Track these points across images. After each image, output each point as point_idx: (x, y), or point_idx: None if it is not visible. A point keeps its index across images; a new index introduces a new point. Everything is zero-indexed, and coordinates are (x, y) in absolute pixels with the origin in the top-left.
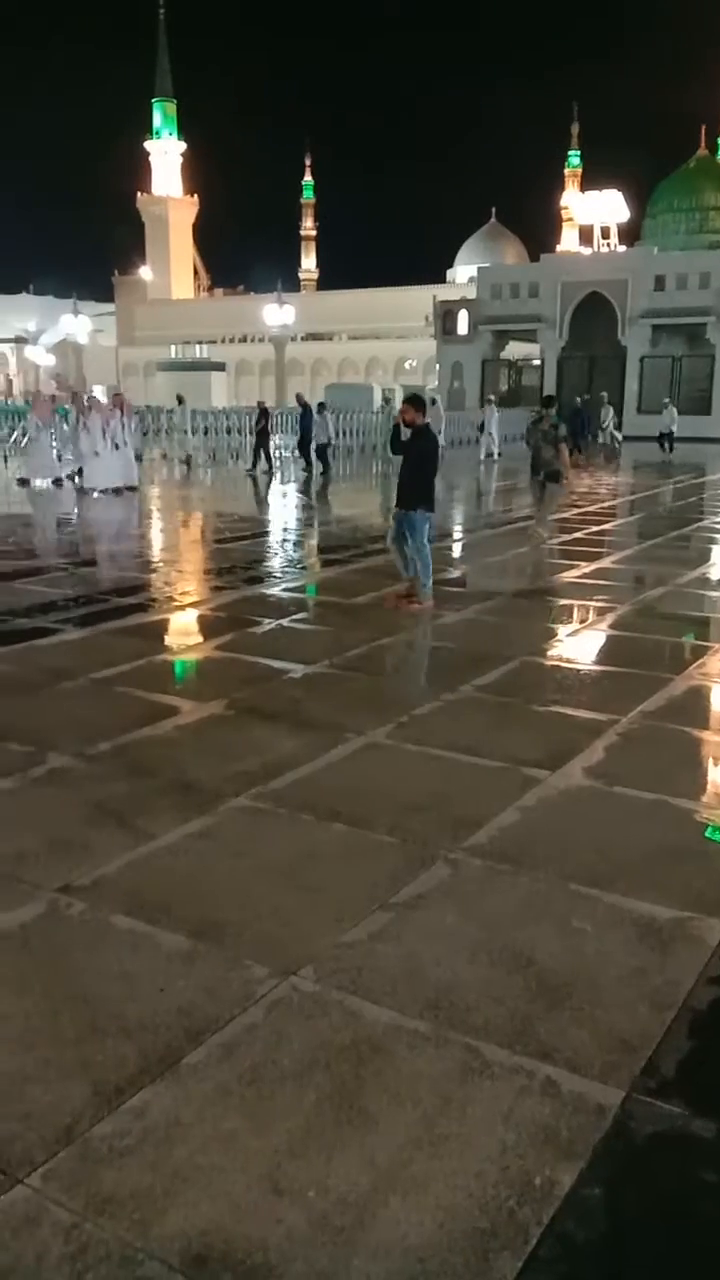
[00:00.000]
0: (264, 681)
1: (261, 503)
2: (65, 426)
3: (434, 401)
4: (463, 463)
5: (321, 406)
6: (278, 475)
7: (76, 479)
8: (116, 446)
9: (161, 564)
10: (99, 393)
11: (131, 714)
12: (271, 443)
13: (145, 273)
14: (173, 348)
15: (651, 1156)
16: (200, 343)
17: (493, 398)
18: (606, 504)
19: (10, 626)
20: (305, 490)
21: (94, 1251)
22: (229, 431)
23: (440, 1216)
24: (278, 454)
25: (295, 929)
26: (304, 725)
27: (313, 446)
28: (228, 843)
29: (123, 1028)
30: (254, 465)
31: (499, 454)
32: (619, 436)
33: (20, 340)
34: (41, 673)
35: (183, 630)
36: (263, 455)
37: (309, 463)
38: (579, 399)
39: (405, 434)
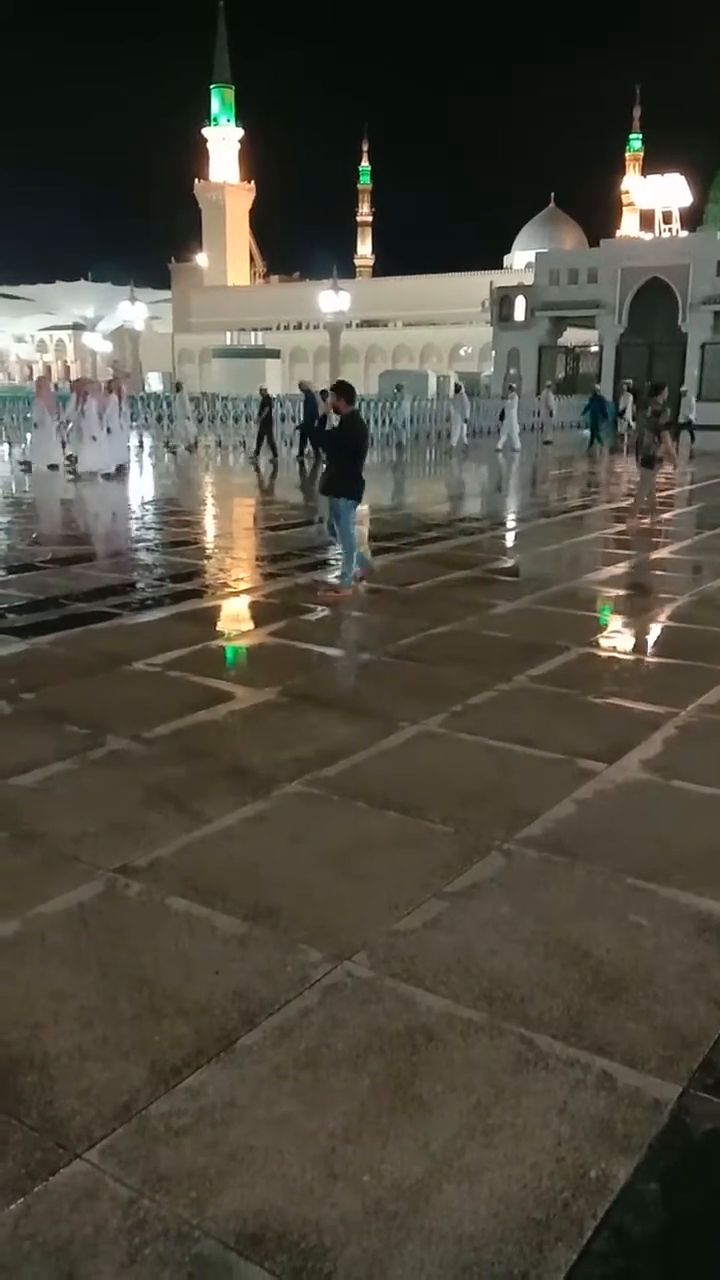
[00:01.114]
0: (317, 668)
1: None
2: (62, 413)
3: (458, 389)
4: (476, 454)
5: (325, 394)
6: (282, 463)
7: (69, 463)
8: (110, 430)
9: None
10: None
11: (188, 699)
12: (278, 430)
13: (201, 259)
14: (228, 334)
15: (709, 1152)
16: (256, 329)
17: (550, 384)
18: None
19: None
20: (302, 478)
21: (151, 1227)
22: (235, 420)
23: (494, 1206)
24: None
25: (349, 915)
26: (358, 713)
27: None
28: (282, 828)
29: (179, 1008)
30: (258, 453)
31: (519, 447)
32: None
33: (78, 327)
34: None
35: (234, 617)
36: (267, 443)
37: (302, 450)
38: (596, 386)
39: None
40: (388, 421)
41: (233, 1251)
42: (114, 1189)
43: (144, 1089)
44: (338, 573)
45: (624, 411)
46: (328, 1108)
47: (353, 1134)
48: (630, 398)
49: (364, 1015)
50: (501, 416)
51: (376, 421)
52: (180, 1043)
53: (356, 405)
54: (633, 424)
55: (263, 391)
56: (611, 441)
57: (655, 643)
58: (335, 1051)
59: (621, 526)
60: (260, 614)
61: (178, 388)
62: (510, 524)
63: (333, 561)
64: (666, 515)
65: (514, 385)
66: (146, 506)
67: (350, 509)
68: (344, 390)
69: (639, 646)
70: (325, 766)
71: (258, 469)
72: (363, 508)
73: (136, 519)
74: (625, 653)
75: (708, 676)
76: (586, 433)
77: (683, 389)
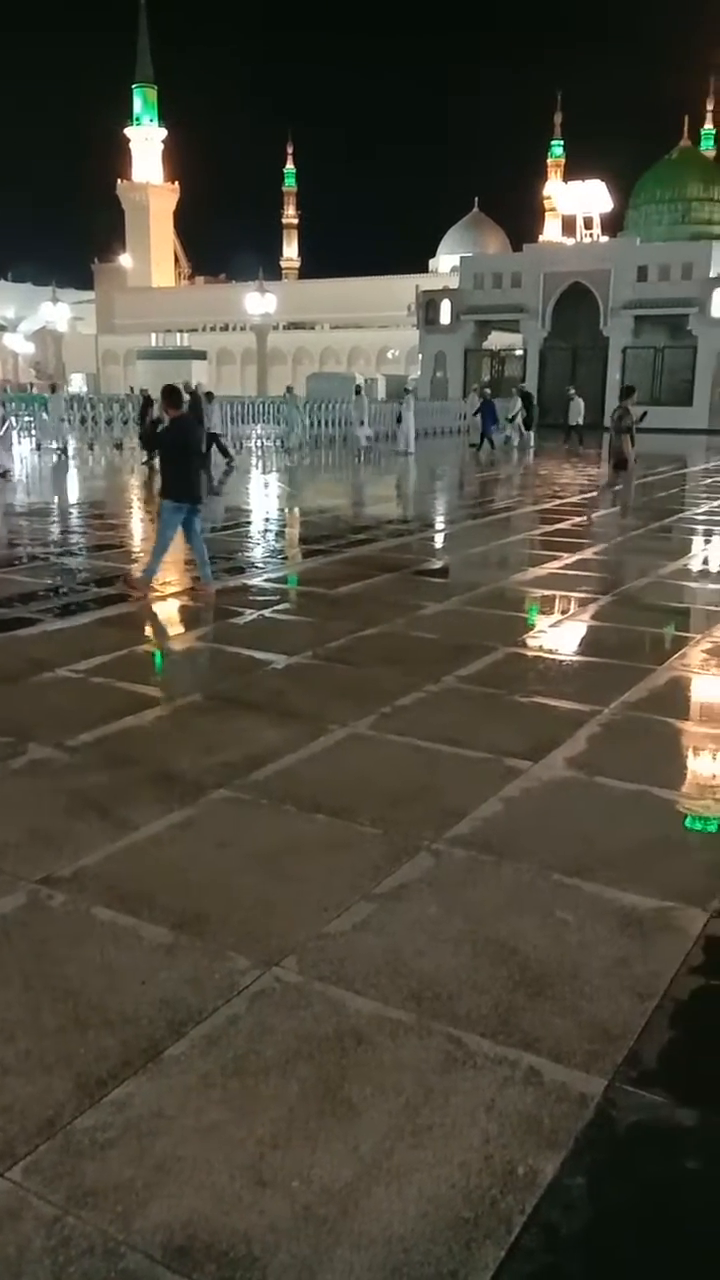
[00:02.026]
0: (245, 672)
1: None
2: None
3: (358, 390)
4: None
5: (210, 395)
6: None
7: None
8: None
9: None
10: (78, 381)
11: (113, 705)
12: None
13: (125, 260)
14: (153, 336)
15: (634, 1145)
16: (181, 331)
17: (477, 386)
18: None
19: None
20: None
21: (76, 1245)
22: (109, 422)
23: (423, 1206)
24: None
25: (278, 920)
26: (286, 716)
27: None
28: (210, 834)
29: (105, 1020)
30: (151, 457)
31: (413, 450)
32: (525, 431)
33: None
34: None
35: (161, 621)
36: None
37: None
38: (486, 390)
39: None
40: (325, 424)
41: (160, 1265)
42: (38, 1207)
43: (69, 1103)
44: (199, 574)
45: (514, 416)
46: (256, 1115)
47: (281, 1140)
48: (519, 401)
49: (293, 1020)
50: (399, 420)
51: (316, 424)
52: (106, 1055)
53: (183, 409)
54: (524, 429)
55: (143, 393)
56: (516, 443)
57: (580, 642)
58: (264, 1058)
59: (550, 527)
60: (188, 618)
61: (52, 389)
62: (439, 525)
63: (259, 565)
64: (596, 515)
65: (409, 389)
66: (44, 509)
67: (176, 511)
68: (170, 395)
69: (564, 646)
70: (253, 771)
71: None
72: (293, 510)
73: (34, 521)
74: (551, 652)
75: (630, 674)
76: (509, 433)
77: (569, 392)
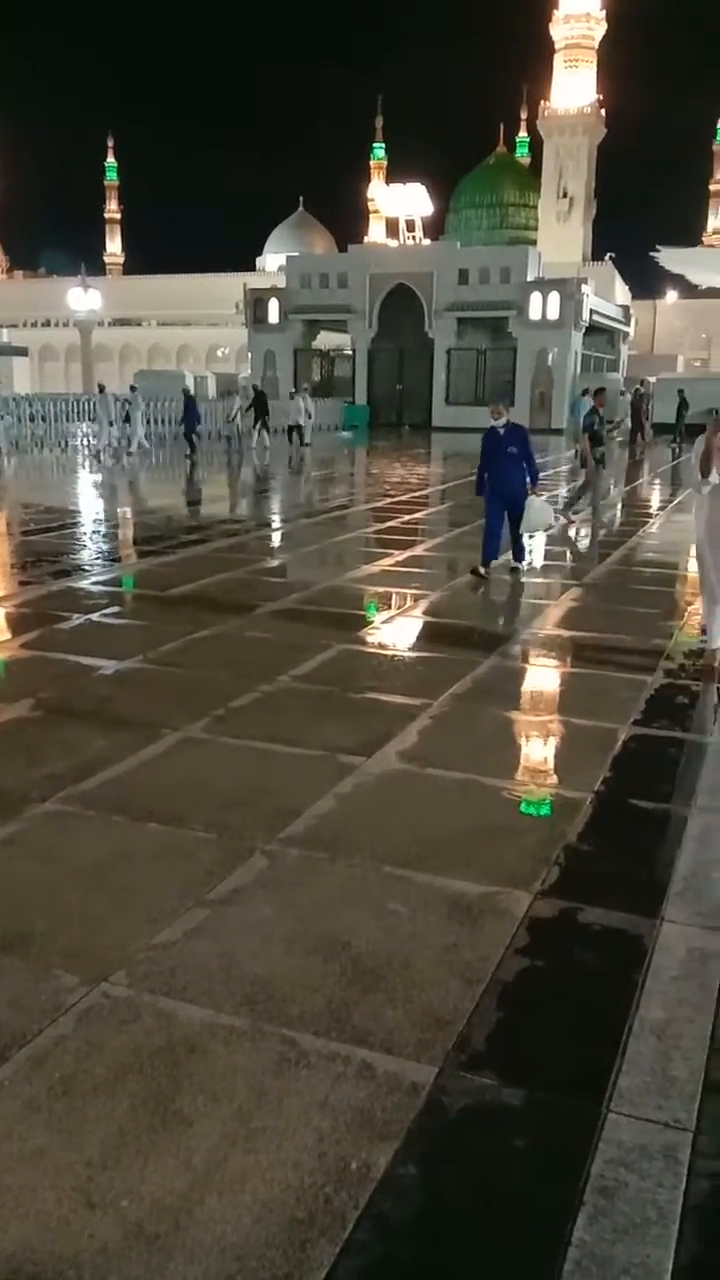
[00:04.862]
0: (74, 679)
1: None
2: None
3: (133, 389)
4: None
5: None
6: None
7: None
8: None
9: None
10: None
11: None
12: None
13: None
14: None
15: (464, 1129)
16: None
17: (307, 386)
18: (397, 498)
19: None
20: None
21: None
22: (32, 419)
23: (257, 1211)
24: None
25: (107, 934)
26: (117, 723)
27: None
28: (35, 849)
29: None
30: None
31: (146, 448)
32: (257, 431)
33: None
34: None
35: None
36: None
37: None
38: (256, 386)
39: None
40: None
41: None
42: None
43: None
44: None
45: (233, 416)
46: (85, 1135)
47: (111, 1159)
48: (236, 400)
49: (123, 1036)
50: (127, 419)
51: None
52: None
53: None
54: (257, 430)
55: None
56: (251, 445)
57: (411, 636)
58: (93, 1076)
59: (382, 524)
60: (12, 624)
61: None
62: (275, 524)
63: (86, 567)
64: (419, 514)
65: (135, 386)
66: None
67: None
68: None
69: (396, 641)
70: (82, 781)
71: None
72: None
73: None
74: (384, 648)
75: (458, 667)
76: (347, 434)
77: (291, 391)
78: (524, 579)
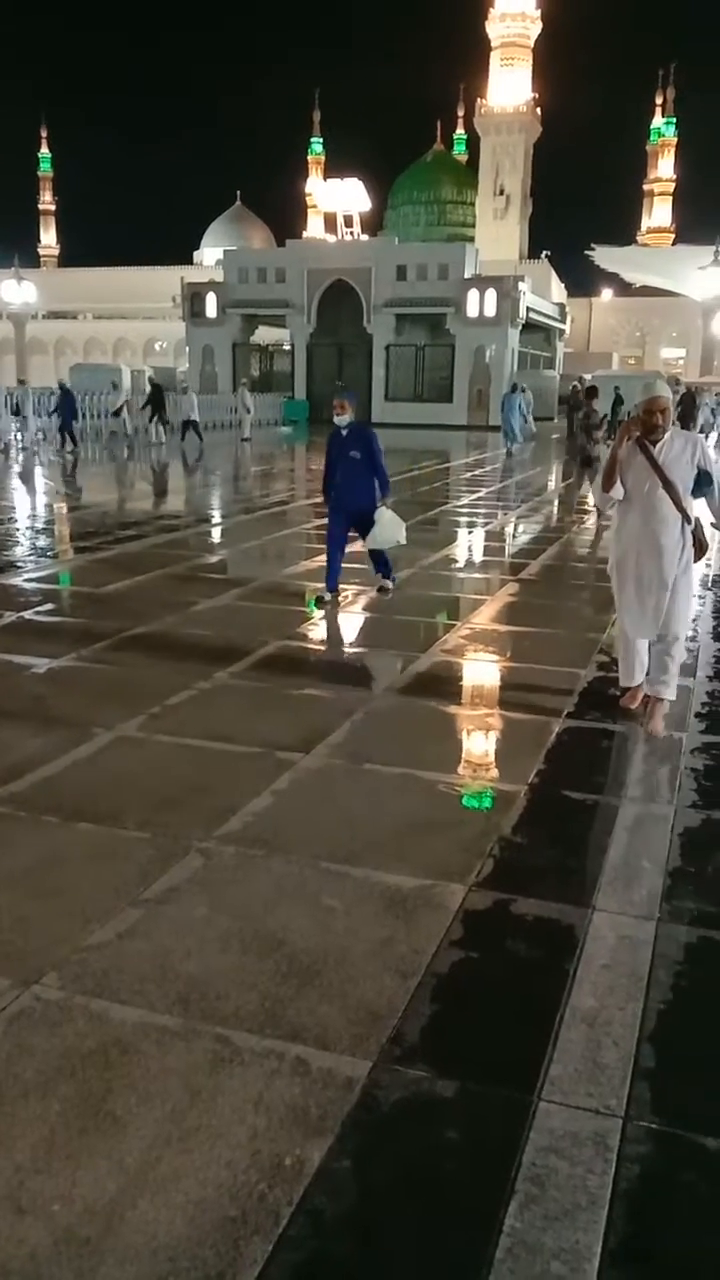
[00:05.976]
0: (2, 678)
1: None
2: None
3: (22, 383)
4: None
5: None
6: None
7: None
8: None
9: None
10: None
11: None
12: None
13: None
14: None
15: (398, 1122)
16: None
17: (245, 381)
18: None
19: None
20: None
21: None
22: None
23: (190, 1212)
24: None
25: (38, 936)
26: (49, 722)
27: None
28: None
29: None
30: None
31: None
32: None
33: None
34: None
35: None
36: None
37: None
38: (61, 384)
39: None
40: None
41: None
42: None
43: None
44: None
45: (120, 410)
46: (15, 1141)
47: (41, 1164)
48: (122, 394)
49: (54, 1039)
50: (54, 412)
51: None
52: None
53: None
54: (148, 425)
55: None
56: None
57: (351, 632)
58: (23, 1081)
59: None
60: None
61: None
62: (214, 520)
63: (19, 564)
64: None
65: (23, 380)
66: None
67: None
68: None
69: (335, 637)
70: (11, 782)
71: None
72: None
73: None
74: (322, 643)
75: (396, 661)
76: (287, 429)
77: (183, 385)
78: (460, 575)
